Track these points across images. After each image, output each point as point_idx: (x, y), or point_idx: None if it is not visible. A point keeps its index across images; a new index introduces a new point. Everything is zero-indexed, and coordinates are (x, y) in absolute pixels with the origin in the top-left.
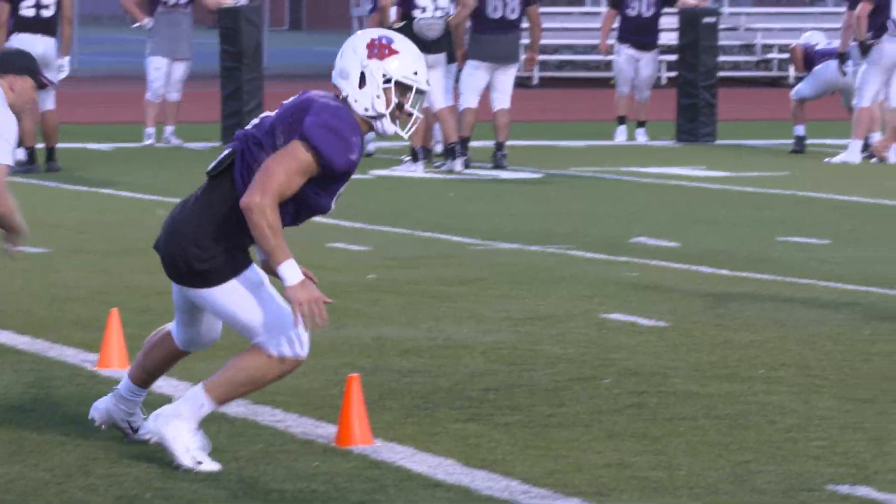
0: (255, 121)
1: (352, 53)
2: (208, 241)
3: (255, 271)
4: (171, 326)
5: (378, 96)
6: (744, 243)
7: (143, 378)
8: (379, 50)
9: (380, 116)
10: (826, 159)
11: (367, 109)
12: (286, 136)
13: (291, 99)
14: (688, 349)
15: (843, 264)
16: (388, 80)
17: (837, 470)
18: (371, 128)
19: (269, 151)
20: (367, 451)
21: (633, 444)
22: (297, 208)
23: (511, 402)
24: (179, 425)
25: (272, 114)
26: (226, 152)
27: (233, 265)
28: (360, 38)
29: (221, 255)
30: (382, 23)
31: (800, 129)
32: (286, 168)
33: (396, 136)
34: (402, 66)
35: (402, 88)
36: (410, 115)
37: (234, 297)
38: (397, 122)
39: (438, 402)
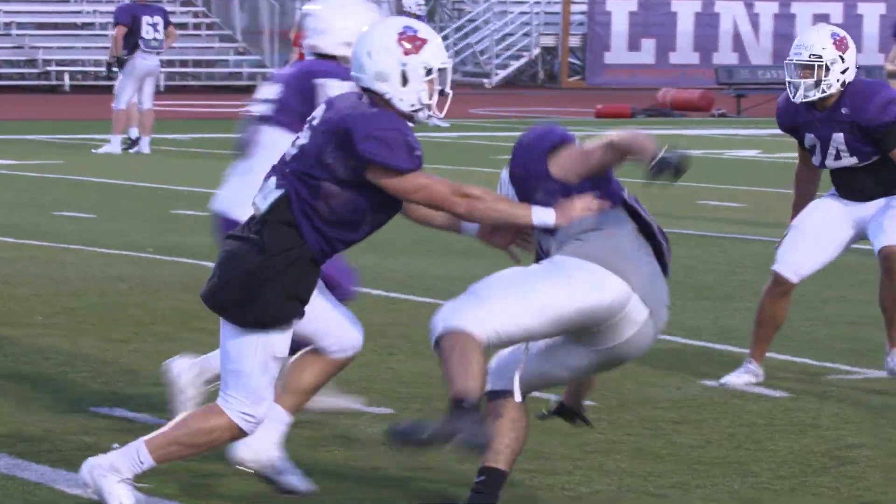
0: (292, 151)
1: (386, 54)
2: (271, 286)
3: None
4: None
5: (423, 90)
6: (26, 218)
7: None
8: (412, 44)
9: (426, 107)
10: (94, 150)
11: (413, 105)
12: (343, 162)
13: (321, 118)
14: None
15: (106, 234)
16: (429, 72)
17: (97, 396)
18: (411, 119)
19: (328, 182)
20: None
21: None
22: (375, 217)
23: None
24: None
25: (305, 140)
26: (275, 194)
27: (282, 315)
28: (388, 35)
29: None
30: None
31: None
32: (408, 183)
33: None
34: (436, 52)
35: (441, 74)
36: (446, 95)
37: (256, 347)
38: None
39: None
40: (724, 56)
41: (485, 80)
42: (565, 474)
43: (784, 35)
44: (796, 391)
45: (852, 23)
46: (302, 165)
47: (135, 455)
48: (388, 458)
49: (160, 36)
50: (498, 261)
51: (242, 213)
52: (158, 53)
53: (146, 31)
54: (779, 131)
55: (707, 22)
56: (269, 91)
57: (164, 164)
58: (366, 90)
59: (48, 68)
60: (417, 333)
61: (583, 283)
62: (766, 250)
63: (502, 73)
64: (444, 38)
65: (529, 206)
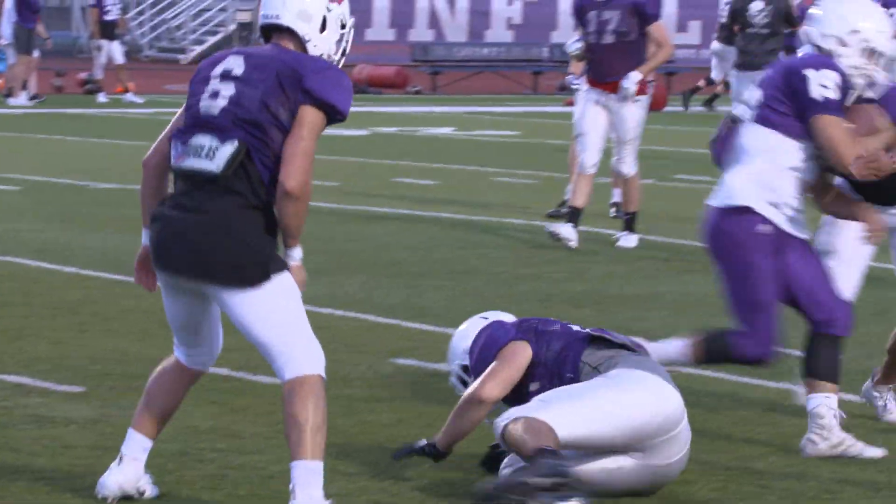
0: (224, 102)
1: None
2: (258, 239)
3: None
4: (172, 358)
5: (333, 42)
6: None
7: (157, 423)
8: None
9: (332, 62)
10: None
11: (321, 55)
12: (287, 105)
13: (249, 66)
14: None
15: None
16: (343, 26)
17: None
18: None
19: (275, 130)
20: None
21: None
22: None
23: None
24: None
25: (242, 88)
26: (230, 148)
27: (277, 264)
28: None
29: (270, 251)
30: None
31: None
32: (312, 140)
33: None
34: (348, 11)
35: (347, 34)
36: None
37: (279, 300)
38: None
39: None
40: (420, 33)
41: (180, 56)
42: (256, 453)
43: (481, 12)
44: None
45: None
46: (242, 112)
47: (307, 473)
48: (79, 434)
49: None
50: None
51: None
52: None
53: None
54: (474, 108)
55: None
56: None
57: None
58: (278, 32)
59: None
60: (110, 310)
61: (648, 390)
62: (458, 227)
63: (198, 49)
64: (140, 13)
65: None
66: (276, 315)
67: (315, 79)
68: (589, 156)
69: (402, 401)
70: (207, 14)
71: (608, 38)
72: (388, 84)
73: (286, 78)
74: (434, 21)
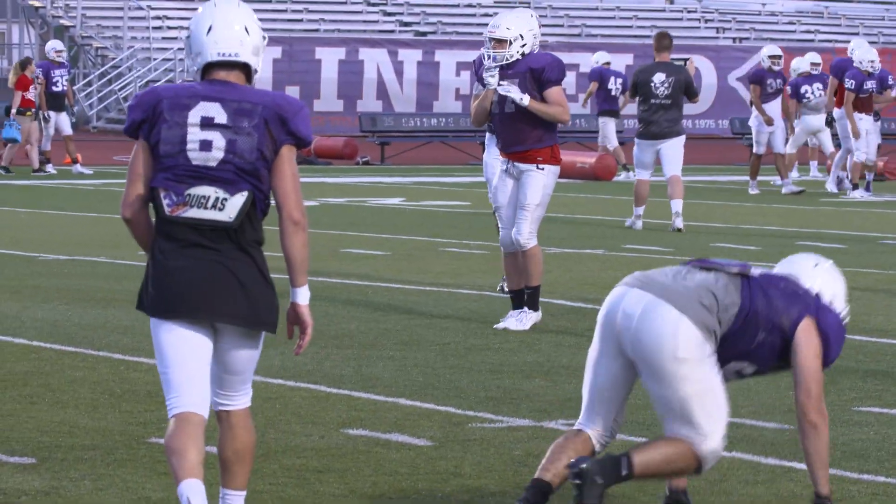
0: (220, 154)
1: (257, 28)
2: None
3: None
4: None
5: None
6: None
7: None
8: None
9: None
10: None
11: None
12: (273, 147)
13: (241, 110)
14: None
15: None
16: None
17: None
18: None
19: (266, 172)
20: None
21: None
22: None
23: None
24: None
25: (234, 137)
26: (241, 199)
27: None
28: (249, 12)
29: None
30: None
31: None
32: (296, 174)
33: None
34: None
35: None
36: None
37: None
38: None
39: None
40: (369, 104)
41: None
42: None
43: (428, 83)
44: (439, 439)
45: None
46: (243, 162)
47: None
48: None
49: None
50: (131, 313)
51: None
52: None
53: None
54: (424, 178)
55: (351, 69)
56: None
57: None
58: (227, 68)
59: None
60: (59, 382)
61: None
62: (408, 298)
63: None
64: (88, 84)
65: None
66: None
67: (297, 121)
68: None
69: (353, 472)
70: (155, 85)
71: (509, 108)
72: (336, 155)
73: (273, 123)
74: (382, 92)
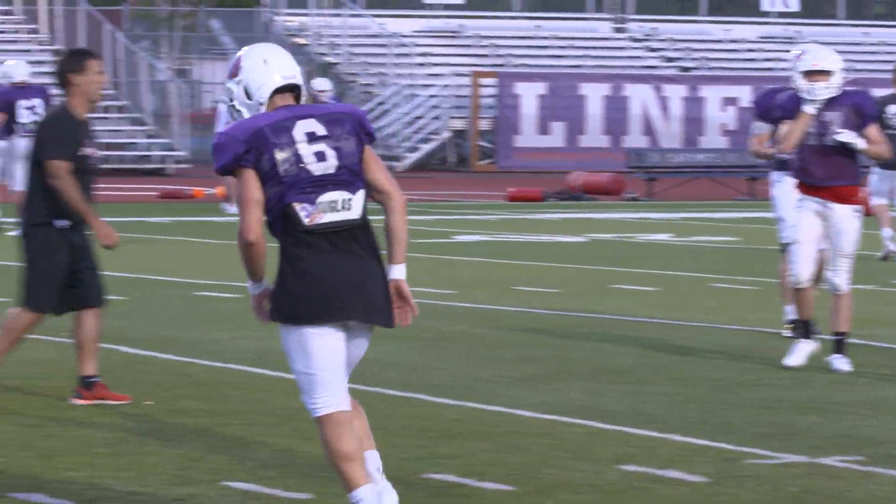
0: (335, 161)
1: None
2: None
3: None
4: (348, 414)
5: None
6: None
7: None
8: None
9: None
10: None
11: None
12: (361, 147)
13: (332, 120)
14: None
15: None
16: None
17: (18, 482)
18: None
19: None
20: None
21: None
22: None
23: None
24: None
25: (337, 144)
26: (360, 197)
27: None
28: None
29: None
30: None
31: None
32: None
33: None
34: None
35: None
36: None
37: None
38: None
39: None
40: (635, 139)
41: (395, 164)
42: None
43: (695, 118)
44: (714, 475)
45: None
46: (351, 163)
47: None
48: None
49: (38, 118)
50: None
51: None
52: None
53: (21, 115)
54: (691, 214)
55: (616, 105)
56: None
57: None
58: (289, 91)
59: None
60: None
61: None
62: (679, 334)
63: (413, 157)
64: None
65: None
66: None
67: (368, 123)
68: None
69: None
70: (421, 122)
71: (829, 140)
72: (603, 191)
73: (358, 127)
74: (648, 127)
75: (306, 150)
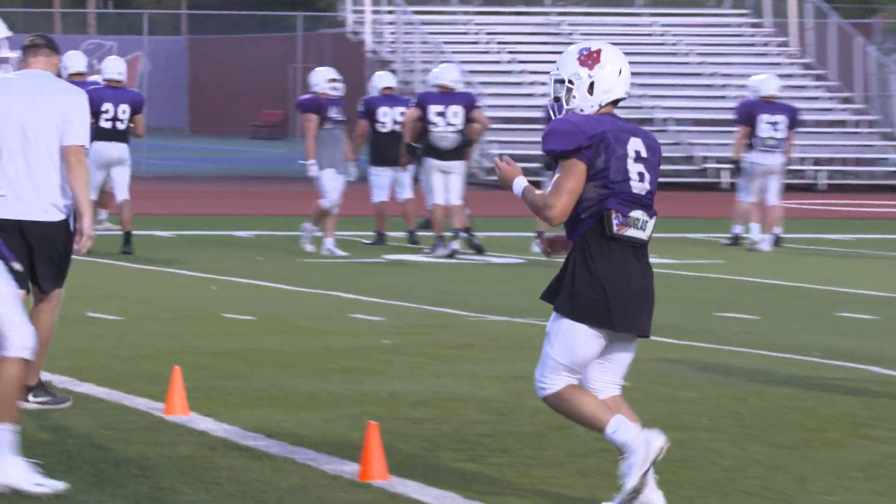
0: (648, 185)
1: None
2: None
3: None
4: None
5: None
6: (687, 318)
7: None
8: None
9: None
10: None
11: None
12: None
13: (650, 146)
14: (642, 404)
15: (771, 336)
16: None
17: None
18: None
19: None
20: (384, 486)
21: (601, 481)
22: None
23: (501, 445)
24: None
25: (650, 170)
26: (653, 221)
27: None
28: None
29: None
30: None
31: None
32: None
33: None
34: None
35: None
36: None
37: None
38: None
39: (442, 445)
40: None
41: None
42: None
43: None
44: None
45: None
46: (654, 190)
47: None
48: None
49: (779, 135)
50: None
51: None
52: (774, 152)
53: (762, 129)
54: None
55: None
56: None
57: (822, 264)
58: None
59: (705, 165)
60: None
61: None
62: None
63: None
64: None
65: None
66: None
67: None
68: None
69: None
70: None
71: None
72: None
73: (659, 162)
74: None
75: (633, 167)
